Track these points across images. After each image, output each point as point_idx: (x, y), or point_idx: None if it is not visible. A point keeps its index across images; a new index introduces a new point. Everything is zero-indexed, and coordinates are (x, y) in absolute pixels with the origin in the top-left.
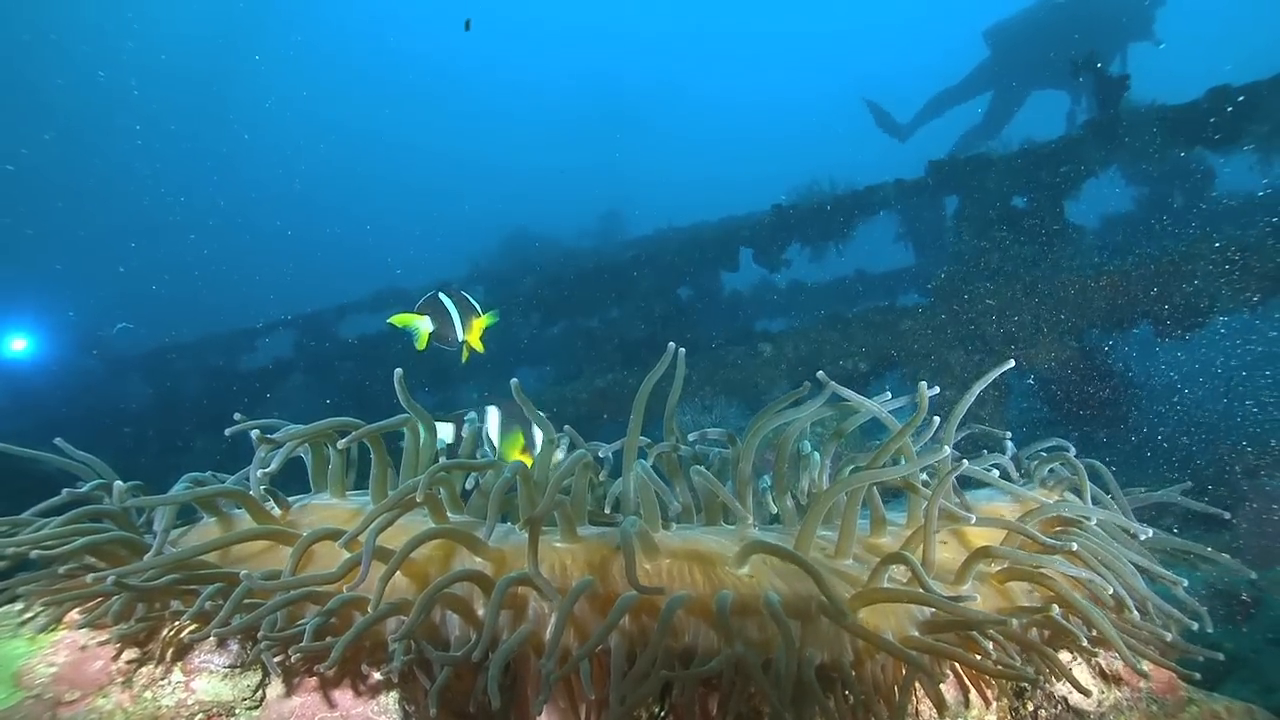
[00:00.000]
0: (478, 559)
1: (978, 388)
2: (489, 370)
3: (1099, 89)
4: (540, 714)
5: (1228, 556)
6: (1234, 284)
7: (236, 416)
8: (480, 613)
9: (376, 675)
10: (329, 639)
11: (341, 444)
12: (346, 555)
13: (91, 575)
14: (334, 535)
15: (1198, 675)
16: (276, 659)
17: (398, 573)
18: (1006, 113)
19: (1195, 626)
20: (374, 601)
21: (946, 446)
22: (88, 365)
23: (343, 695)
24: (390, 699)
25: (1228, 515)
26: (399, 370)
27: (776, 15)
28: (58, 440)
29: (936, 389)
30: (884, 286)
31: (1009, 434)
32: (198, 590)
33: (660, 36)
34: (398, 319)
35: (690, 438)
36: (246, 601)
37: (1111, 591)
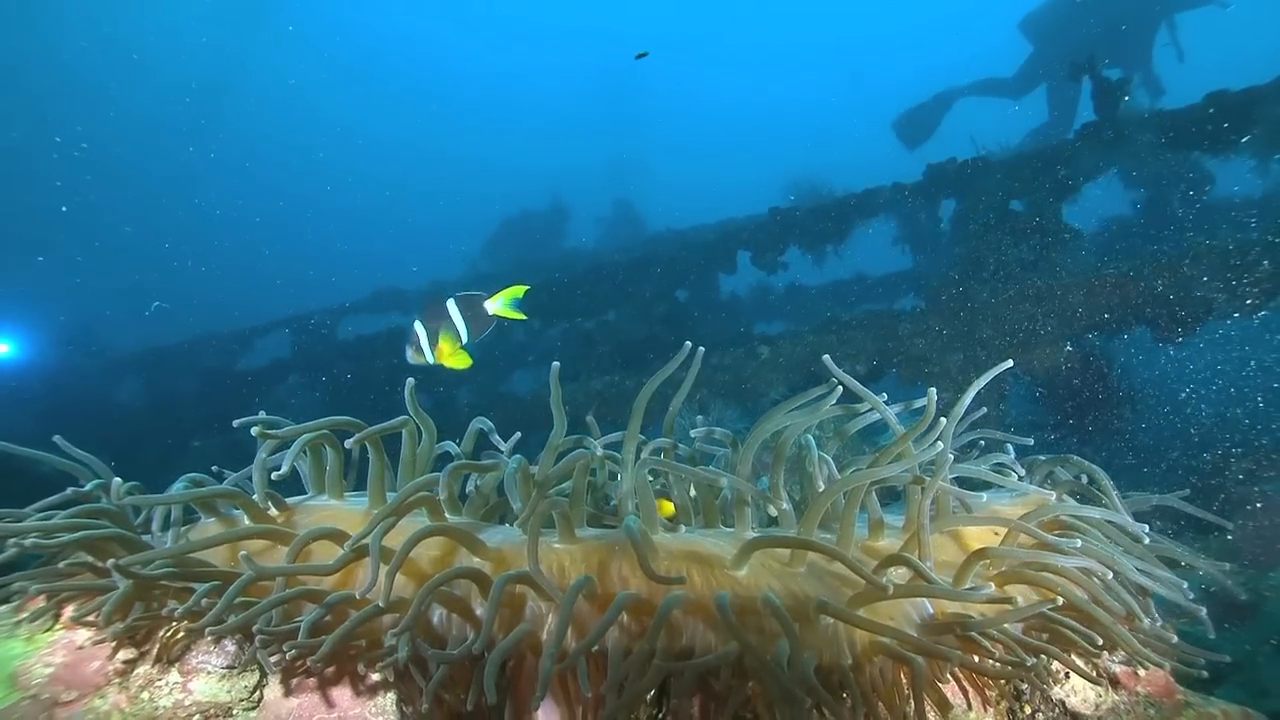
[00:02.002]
0: (476, 559)
1: (975, 388)
2: (485, 374)
3: (1096, 92)
4: (537, 711)
5: (1227, 565)
6: (1232, 288)
7: (262, 416)
8: (478, 612)
9: (374, 676)
10: (323, 637)
11: (349, 443)
12: (343, 553)
13: (91, 572)
14: (331, 535)
15: (1205, 674)
16: (273, 658)
17: (397, 572)
18: (1069, 102)
19: (1203, 613)
20: (383, 596)
21: (939, 443)
22: (83, 365)
23: (341, 696)
24: (388, 700)
25: (1230, 525)
26: (411, 380)
27: (775, 19)
28: (57, 438)
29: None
30: (882, 290)
31: (1030, 440)
32: (195, 588)
33: (660, 40)
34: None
35: (694, 434)
36: (240, 600)
37: (1112, 576)
